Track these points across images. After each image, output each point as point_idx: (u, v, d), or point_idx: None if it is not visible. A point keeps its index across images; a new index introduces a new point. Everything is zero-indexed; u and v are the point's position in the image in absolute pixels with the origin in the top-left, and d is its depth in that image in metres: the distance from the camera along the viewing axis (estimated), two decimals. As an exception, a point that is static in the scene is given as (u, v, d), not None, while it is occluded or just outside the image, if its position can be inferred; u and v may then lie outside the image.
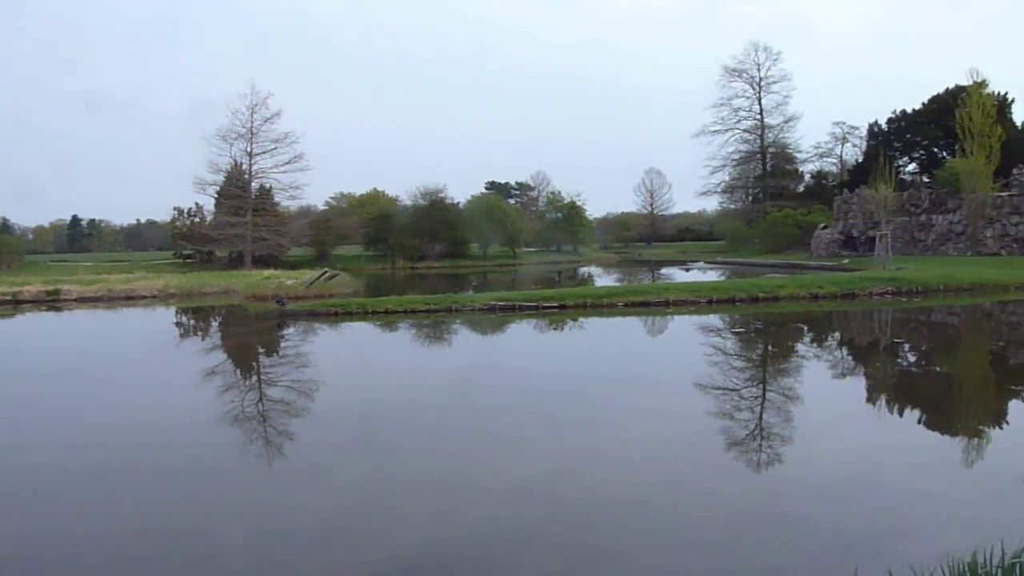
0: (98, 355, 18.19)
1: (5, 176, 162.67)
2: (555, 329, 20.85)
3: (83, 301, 32.18)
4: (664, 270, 53.27)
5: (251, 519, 6.61)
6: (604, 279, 45.51)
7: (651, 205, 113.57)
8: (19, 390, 13.45)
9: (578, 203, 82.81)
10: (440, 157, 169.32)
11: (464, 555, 5.77)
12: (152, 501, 6.99)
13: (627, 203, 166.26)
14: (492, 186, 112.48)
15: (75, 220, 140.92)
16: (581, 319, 22.21)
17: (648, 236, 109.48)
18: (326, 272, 35.69)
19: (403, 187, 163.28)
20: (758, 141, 74.17)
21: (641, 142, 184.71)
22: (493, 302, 24.43)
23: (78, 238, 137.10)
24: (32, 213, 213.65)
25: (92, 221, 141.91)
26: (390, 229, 71.07)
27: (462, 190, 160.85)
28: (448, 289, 34.20)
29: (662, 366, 14.71)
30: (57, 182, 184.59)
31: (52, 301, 31.97)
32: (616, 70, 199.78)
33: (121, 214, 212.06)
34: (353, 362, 16.21)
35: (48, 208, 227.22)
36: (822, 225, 55.93)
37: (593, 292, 25.97)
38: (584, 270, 59.38)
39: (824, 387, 12.23)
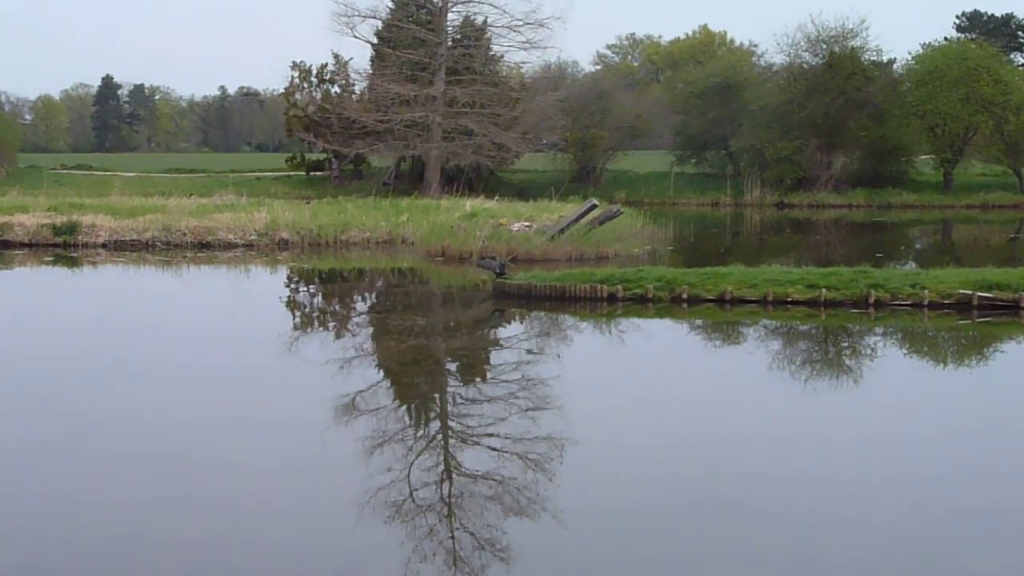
0: (139, 372, 17.36)
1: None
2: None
3: (119, 249, 33.93)
4: None
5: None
6: None
7: None
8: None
9: None
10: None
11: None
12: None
13: None
14: (971, 23, 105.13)
15: (108, 86, 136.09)
16: None
17: None
18: (594, 207, 34.59)
19: (767, 27, 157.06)
20: None
21: None
22: (966, 290, 22.11)
23: (112, 121, 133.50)
24: (36, 76, 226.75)
25: (139, 88, 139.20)
26: (735, 116, 68.14)
27: (902, 36, 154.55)
28: (860, 256, 34.37)
29: None
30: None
31: (64, 246, 33.79)
32: None
33: (191, 79, 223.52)
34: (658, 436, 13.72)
35: (64, 66, 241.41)
36: None
37: None
38: None
39: None
